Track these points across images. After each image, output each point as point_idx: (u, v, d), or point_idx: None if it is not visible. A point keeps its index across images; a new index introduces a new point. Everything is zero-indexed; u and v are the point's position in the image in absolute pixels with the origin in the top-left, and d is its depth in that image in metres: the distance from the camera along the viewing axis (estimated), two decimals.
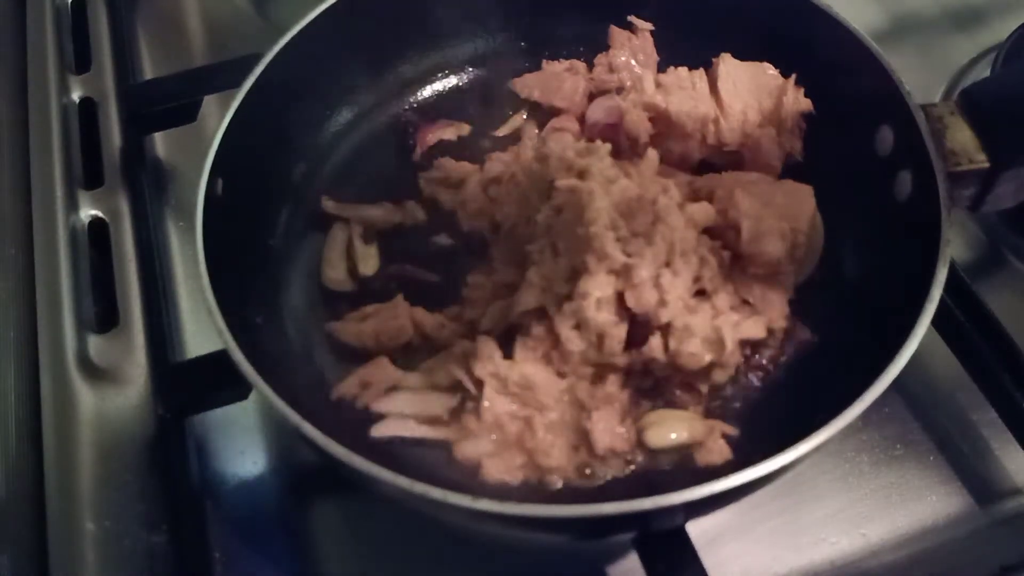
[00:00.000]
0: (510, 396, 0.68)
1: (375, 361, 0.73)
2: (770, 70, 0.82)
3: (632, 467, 0.68)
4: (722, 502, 0.62)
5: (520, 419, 0.67)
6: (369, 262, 0.80)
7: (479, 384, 0.69)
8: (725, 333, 0.67)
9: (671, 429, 0.69)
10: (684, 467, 0.68)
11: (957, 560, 0.72)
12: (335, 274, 0.80)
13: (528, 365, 0.68)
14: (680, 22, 0.87)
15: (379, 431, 0.69)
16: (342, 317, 0.76)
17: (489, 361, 0.69)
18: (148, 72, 1.06)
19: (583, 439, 0.68)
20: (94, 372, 0.81)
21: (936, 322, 0.77)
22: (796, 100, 0.80)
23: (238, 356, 0.62)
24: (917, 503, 0.74)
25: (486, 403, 0.67)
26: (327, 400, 0.71)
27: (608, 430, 0.68)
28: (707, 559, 0.61)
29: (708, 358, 0.67)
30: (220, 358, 0.68)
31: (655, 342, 0.67)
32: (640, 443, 0.69)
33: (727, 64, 0.82)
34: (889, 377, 0.59)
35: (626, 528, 0.63)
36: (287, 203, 0.83)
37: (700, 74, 0.81)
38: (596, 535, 0.68)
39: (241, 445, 0.77)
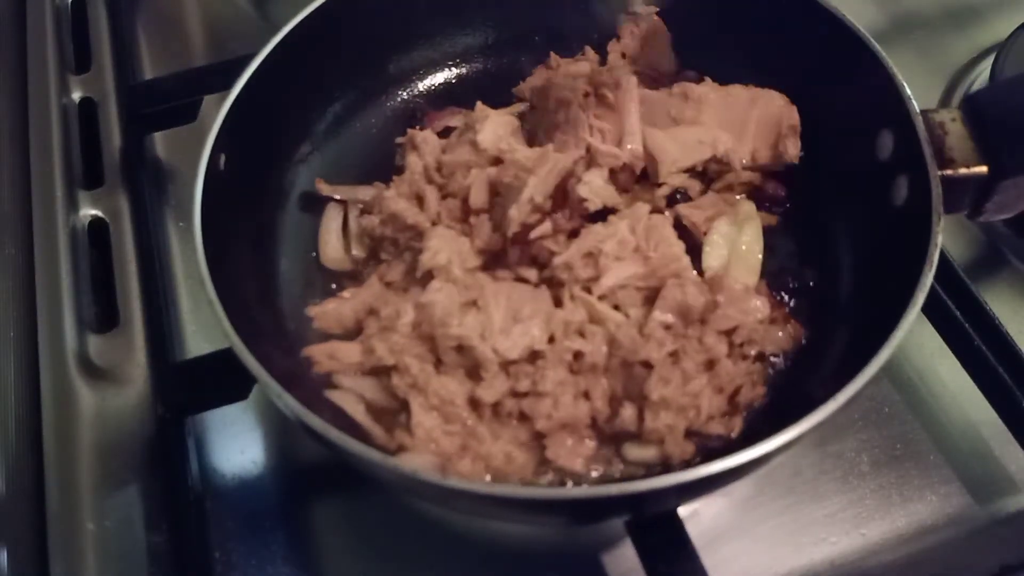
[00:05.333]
0: (435, 411, 0.66)
1: (352, 342, 0.72)
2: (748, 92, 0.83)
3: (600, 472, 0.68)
4: (711, 486, 0.62)
5: (456, 435, 0.66)
6: (363, 243, 0.80)
7: (405, 403, 0.67)
8: (701, 401, 0.66)
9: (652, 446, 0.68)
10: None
11: (957, 560, 0.72)
12: (333, 253, 0.80)
13: (449, 380, 0.67)
14: (683, 22, 0.88)
15: (330, 395, 0.68)
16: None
17: (407, 373, 0.67)
18: (148, 72, 1.06)
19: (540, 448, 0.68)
20: (94, 372, 0.81)
21: (936, 322, 0.78)
22: (788, 113, 0.81)
23: (236, 341, 0.61)
24: (917, 503, 0.74)
25: (415, 420, 0.66)
26: (318, 383, 0.71)
27: (568, 452, 0.67)
28: (707, 559, 0.62)
29: (683, 426, 0.66)
30: (220, 358, 0.68)
31: (627, 414, 0.67)
32: (618, 453, 0.68)
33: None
34: (860, 383, 0.59)
35: (617, 512, 0.63)
36: (289, 182, 0.84)
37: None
38: (585, 519, 0.68)
39: (241, 445, 0.77)
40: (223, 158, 0.72)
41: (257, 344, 0.62)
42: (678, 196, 0.82)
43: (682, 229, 0.77)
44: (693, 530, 0.63)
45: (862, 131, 0.76)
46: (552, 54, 0.89)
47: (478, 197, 0.74)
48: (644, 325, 0.68)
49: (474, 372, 0.67)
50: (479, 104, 0.82)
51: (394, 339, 0.68)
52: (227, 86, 0.75)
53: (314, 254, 0.80)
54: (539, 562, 0.72)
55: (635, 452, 0.67)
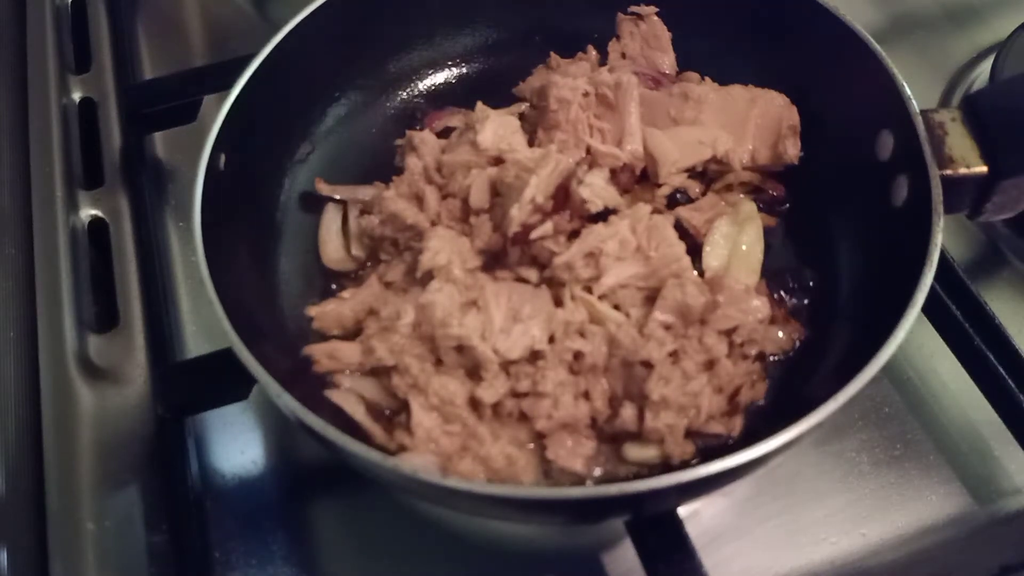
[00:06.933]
0: (435, 411, 0.66)
1: (352, 342, 0.72)
2: (748, 92, 0.83)
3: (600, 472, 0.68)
4: (711, 486, 0.62)
5: (455, 435, 0.66)
6: (363, 243, 0.80)
7: (404, 404, 0.67)
8: (701, 400, 0.66)
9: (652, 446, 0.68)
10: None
11: (957, 560, 0.72)
12: (333, 253, 0.80)
13: (449, 380, 0.67)
14: (683, 22, 0.88)
15: (330, 395, 0.69)
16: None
17: (407, 373, 0.67)
18: (148, 72, 1.06)
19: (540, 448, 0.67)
20: (94, 372, 0.81)
21: (936, 321, 0.78)
22: (788, 113, 0.81)
23: (235, 341, 0.61)
24: (917, 503, 0.74)
25: (415, 420, 0.66)
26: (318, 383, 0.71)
27: (568, 452, 0.67)
28: (707, 559, 0.62)
29: (683, 426, 0.66)
30: (220, 357, 0.68)
31: (627, 413, 0.67)
32: (618, 453, 0.68)
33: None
34: (860, 383, 0.59)
35: (617, 512, 0.63)
36: (289, 182, 0.84)
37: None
38: (585, 519, 0.68)
39: (241, 445, 0.77)
40: (223, 158, 0.72)
41: (257, 344, 0.62)
42: (678, 196, 0.82)
43: (682, 230, 0.77)
44: (693, 530, 0.63)
45: (862, 131, 0.76)
46: (552, 54, 0.89)
47: (478, 197, 0.74)
48: (644, 325, 0.68)
49: (474, 372, 0.67)
50: (479, 104, 0.82)
51: (394, 339, 0.68)
52: (227, 86, 0.75)
53: (314, 254, 0.80)
54: (539, 562, 0.72)
55: (635, 452, 0.67)
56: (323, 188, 0.83)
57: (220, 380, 0.71)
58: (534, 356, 0.68)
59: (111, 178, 0.94)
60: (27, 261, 0.88)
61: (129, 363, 0.82)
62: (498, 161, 0.76)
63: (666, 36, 0.88)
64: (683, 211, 0.79)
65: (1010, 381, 0.74)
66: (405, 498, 0.74)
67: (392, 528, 0.73)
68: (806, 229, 0.80)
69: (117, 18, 1.08)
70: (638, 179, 0.81)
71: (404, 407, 0.67)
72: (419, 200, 0.76)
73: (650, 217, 0.73)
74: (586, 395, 0.68)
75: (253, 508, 0.74)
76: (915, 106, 0.70)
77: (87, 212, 0.92)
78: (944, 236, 0.65)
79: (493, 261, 0.74)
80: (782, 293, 0.76)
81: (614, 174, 0.78)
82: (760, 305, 0.70)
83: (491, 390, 0.66)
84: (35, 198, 0.92)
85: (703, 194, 0.82)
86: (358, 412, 0.68)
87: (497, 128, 0.77)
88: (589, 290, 0.71)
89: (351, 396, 0.68)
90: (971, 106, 0.70)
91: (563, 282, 0.71)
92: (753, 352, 0.71)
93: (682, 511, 0.64)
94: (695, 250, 0.76)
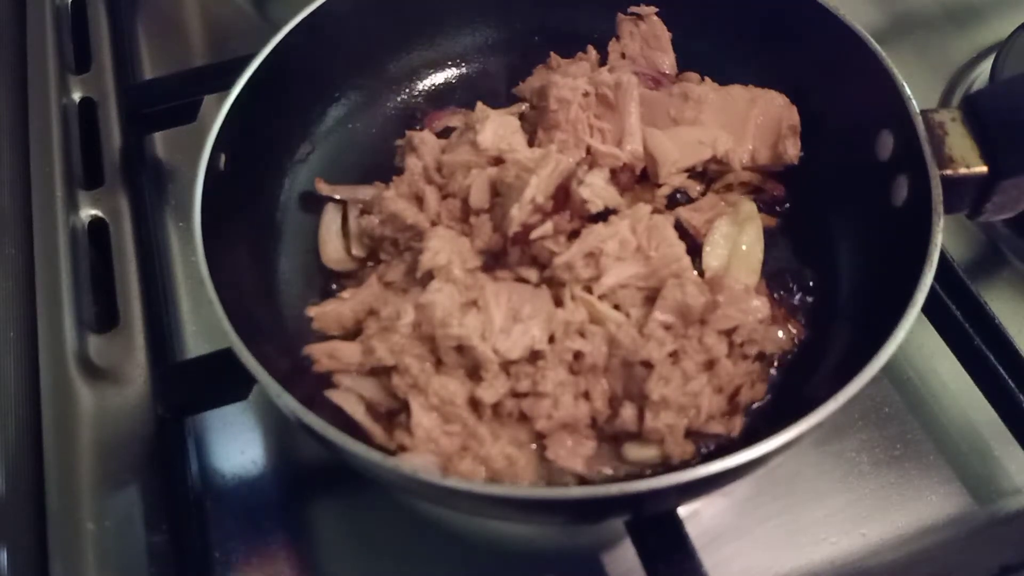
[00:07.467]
0: (435, 411, 0.66)
1: (352, 342, 0.72)
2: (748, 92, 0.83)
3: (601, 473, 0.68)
4: (711, 486, 0.62)
5: (455, 435, 0.66)
6: (363, 243, 0.80)
7: (404, 404, 0.67)
8: (701, 400, 0.66)
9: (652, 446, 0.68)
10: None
11: (957, 560, 0.72)
12: (333, 253, 0.80)
13: (449, 380, 0.67)
14: (682, 21, 0.88)
15: (330, 395, 0.68)
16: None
17: (407, 373, 0.67)
18: (148, 72, 1.06)
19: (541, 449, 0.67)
20: (94, 372, 0.81)
21: (936, 322, 0.78)
22: (788, 113, 0.81)
23: (235, 341, 0.62)
24: (917, 503, 0.74)
25: (415, 420, 0.66)
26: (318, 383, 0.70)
27: (568, 452, 0.67)
28: (707, 559, 0.62)
29: (683, 426, 0.66)
30: (220, 357, 0.68)
31: (627, 413, 0.67)
32: (618, 453, 0.68)
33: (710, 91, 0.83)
34: (860, 383, 0.59)
35: (617, 512, 0.63)
36: (289, 182, 0.84)
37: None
38: (585, 519, 0.68)
39: (241, 445, 0.77)
40: (223, 158, 0.73)
41: (257, 344, 0.62)
42: (678, 196, 0.82)
43: (682, 230, 0.77)
44: (693, 530, 0.63)
45: (862, 131, 0.76)
46: (552, 54, 0.89)
47: (478, 197, 0.74)
48: (644, 325, 0.68)
49: (474, 372, 0.67)
50: (479, 104, 0.82)
51: (394, 339, 0.68)
52: (227, 86, 0.75)
53: (314, 254, 0.80)
54: (539, 562, 0.72)
55: (635, 452, 0.67)
56: (323, 188, 0.83)
57: (220, 380, 0.71)
58: (534, 356, 0.68)
59: (111, 178, 0.94)
60: (27, 261, 0.88)
61: (129, 363, 0.82)
62: (498, 161, 0.76)
63: (666, 36, 0.88)
64: (683, 211, 0.79)
65: (1010, 381, 0.74)
66: (405, 498, 0.74)
67: (392, 528, 0.74)
68: (806, 229, 0.80)
69: (117, 18, 1.08)
70: (638, 179, 0.81)
71: (404, 407, 0.67)
72: (419, 200, 0.76)
73: (650, 217, 0.73)
74: (586, 395, 0.68)
75: (253, 508, 0.74)
76: (915, 106, 0.70)
77: (87, 212, 0.92)
78: (944, 236, 0.65)
79: (493, 261, 0.74)
80: (782, 293, 0.77)
81: (614, 174, 0.78)
82: (760, 305, 0.70)
83: (491, 390, 0.66)
84: (35, 198, 0.92)
85: (703, 194, 0.82)
86: (358, 412, 0.68)
87: (497, 128, 0.77)
88: (589, 290, 0.71)
89: (351, 396, 0.68)
90: (971, 106, 0.70)
91: (563, 282, 0.71)
92: (753, 352, 0.71)
93: (682, 511, 0.64)
94: (695, 250, 0.76)
